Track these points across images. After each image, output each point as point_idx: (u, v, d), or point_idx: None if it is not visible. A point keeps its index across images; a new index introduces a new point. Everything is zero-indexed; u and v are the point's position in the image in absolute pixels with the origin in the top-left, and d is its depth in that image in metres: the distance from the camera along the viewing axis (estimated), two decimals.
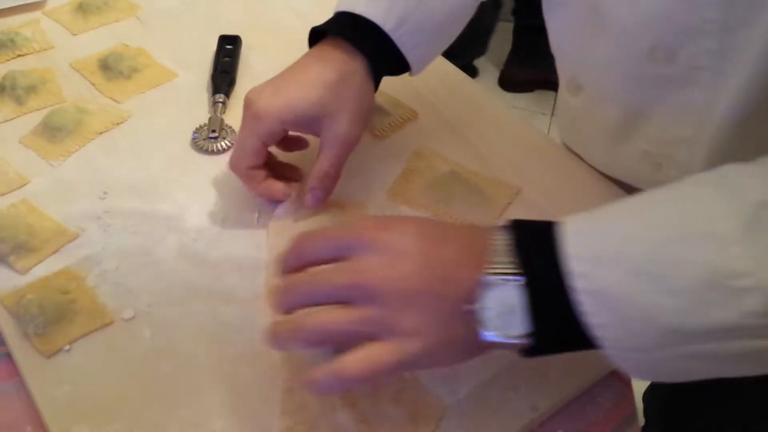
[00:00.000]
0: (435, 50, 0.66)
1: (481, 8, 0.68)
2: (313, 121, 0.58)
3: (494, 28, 2.12)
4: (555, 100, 2.17)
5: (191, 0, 0.89)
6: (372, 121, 0.71)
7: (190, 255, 0.59)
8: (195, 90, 0.76)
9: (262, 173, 0.60)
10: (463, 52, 2.02)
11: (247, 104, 0.59)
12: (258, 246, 0.60)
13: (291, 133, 0.61)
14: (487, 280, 0.40)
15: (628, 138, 0.62)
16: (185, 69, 0.78)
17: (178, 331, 0.53)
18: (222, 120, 0.70)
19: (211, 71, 0.76)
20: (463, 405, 0.50)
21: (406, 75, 0.65)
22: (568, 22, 0.61)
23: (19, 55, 0.78)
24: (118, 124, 0.71)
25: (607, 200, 0.64)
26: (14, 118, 0.71)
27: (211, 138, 0.68)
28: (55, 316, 0.53)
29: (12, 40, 0.78)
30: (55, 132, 0.68)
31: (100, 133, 0.70)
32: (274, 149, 0.62)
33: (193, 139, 0.69)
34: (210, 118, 0.70)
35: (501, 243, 0.42)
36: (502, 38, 2.19)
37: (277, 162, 0.64)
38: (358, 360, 0.42)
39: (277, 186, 0.61)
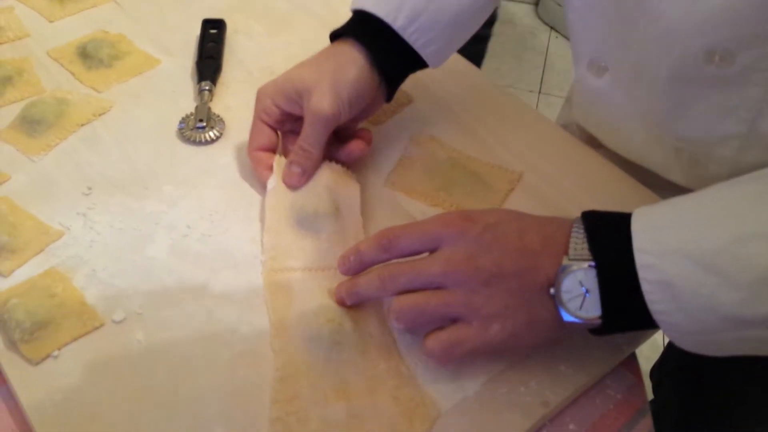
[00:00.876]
0: (451, 46, 0.65)
1: None
2: (297, 97, 0.58)
3: None
4: (542, 78, 2.16)
5: None
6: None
7: (181, 252, 0.56)
8: (180, 77, 0.72)
9: (266, 156, 0.60)
10: None
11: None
12: (252, 240, 0.57)
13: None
14: (567, 267, 0.45)
15: (662, 130, 0.59)
16: (168, 55, 0.75)
17: (172, 333, 0.51)
18: (209, 108, 0.68)
19: (196, 58, 0.73)
20: (473, 402, 0.48)
21: None
22: (597, 1, 0.58)
23: None
24: (100, 115, 0.68)
25: (610, 184, 0.63)
26: None
27: (198, 128, 0.66)
28: (42, 320, 0.50)
29: None
30: (34, 125, 0.65)
31: (82, 125, 0.67)
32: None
33: (180, 129, 0.66)
34: (197, 107, 0.68)
35: (578, 234, 0.46)
36: None
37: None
38: (445, 339, 0.47)
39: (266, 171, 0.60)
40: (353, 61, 0.58)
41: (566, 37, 2.29)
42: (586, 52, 0.62)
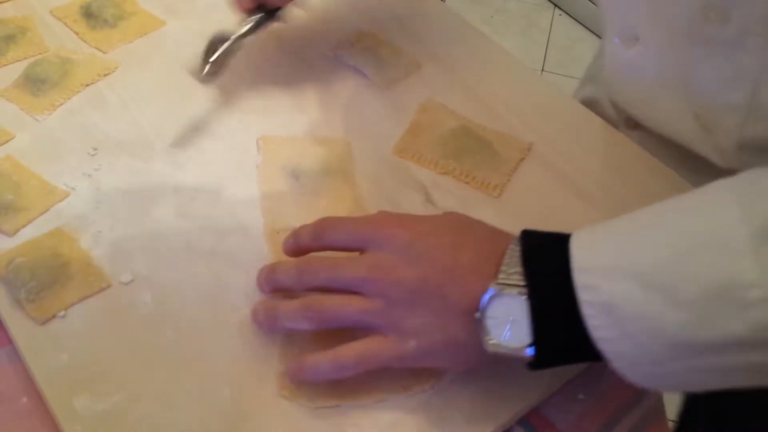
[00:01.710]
0: None
1: None
2: None
3: None
4: (545, 55, 2.14)
5: None
6: (372, 72, 0.68)
7: (188, 215, 0.56)
8: (184, 39, 0.71)
9: None
10: None
11: None
12: (258, 203, 0.57)
13: None
14: (494, 290, 0.41)
15: (679, 98, 0.58)
16: (173, 16, 0.73)
17: (180, 295, 0.51)
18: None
19: None
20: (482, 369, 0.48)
21: (408, 25, 0.61)
22: None
23: None
24: (105, 75, 0.67)
25: (622, 157, 0.63)
26: None
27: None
28: (48, 280, 0.50)
29: None
30: (38, 84, 0.64)
31: (87, 85, 0.65)
32: None
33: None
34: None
35: (512, 254, 0.42)
36: None
37: None
38: (357, 349, 0.44)
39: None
40: None
41: (570, 15, 2.28)
42: (618, 21, 0.60)
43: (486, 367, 0.46)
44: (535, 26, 2.25)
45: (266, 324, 0.48)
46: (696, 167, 0.62)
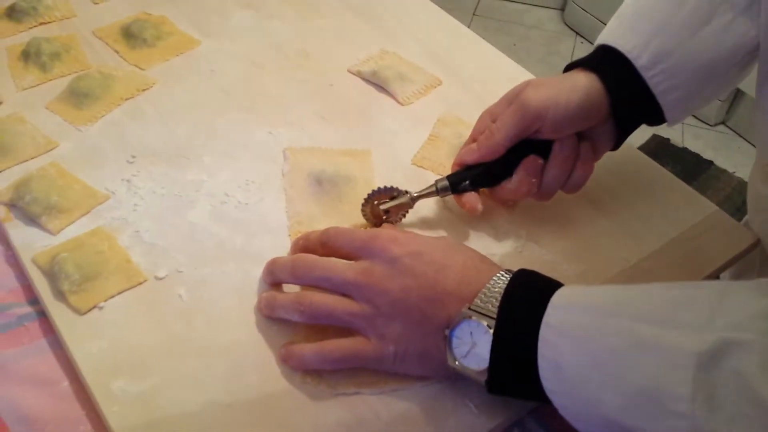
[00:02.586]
0: (695, 100, 0.58)
1: None
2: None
3: None
4: None
5: None
6: (394, 88, 0.71)
7: (220, 217, 0.59)
8: (217, 57, 0.76)
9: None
10: None
11: None
12: (284, 208, 0.60)
13: None
14: (466, 314, 0.45)
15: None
16: (207, 37, 0.78)
17: (211, 289, 0.54)
18: None
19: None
20: None
21: (428, 44, 0.64)
22: None
23: (41, 23, 0.78)
24: (143, 90, 0.71)
25: (631, 166, 0.65)
26: (39, 84, 0.71)
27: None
28: (89, 274, 0.53)
29: (34, 8, 0.78)
30: (81, 98, 0.68)
31: (126, 99, 0.70)
32: None
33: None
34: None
35: (494, 285, 0.46)
36: None
37: None
38: (341, 346, 0.48)
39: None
40: (586, 78, 0.55)
41: (591, 43, 2.31)
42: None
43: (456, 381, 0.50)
44: (557, 54, 2.29)
45: (265, 311, 0.52)
46: None
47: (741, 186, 1.90)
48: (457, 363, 0.46)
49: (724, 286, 0.40)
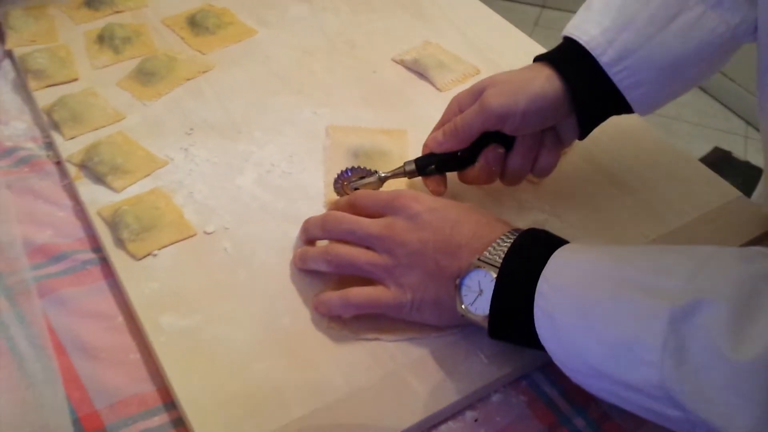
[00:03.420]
0: (663, 94, 0.59)
1: None
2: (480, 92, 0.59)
3: None
4: None
5: None
6: (433, 75, 0.76)
7: (265, 183, 0.65)
8: (272, 45, 0.82)
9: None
10: None
11: None
12: (322, 178, 0.65)
13: None
14: (475, 264, 0.49)
15: None
16: (264, 27, 0.84)
17: (253, 244, 0.60)
18: None
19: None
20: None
21: (470, 36, 0.68)
22: None
23: (116, 12, 0.85)
24: (203, 72, 0.78)
25: (653, 150, 0.68)
26: (112, 64, 0.78)
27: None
28: (146, 225, 0.60)
29: None
30: (148, 77, 0.75)
31: (188, 79, 0.77)
32: None
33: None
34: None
35: (504, 240, 0.49)
36: None
37: None
38: (363, 293, 0.53)
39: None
40: (546, 78, 0.56)
41: None
42: None
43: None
44: None
45: (298, 264, 0.57)
46: None
47: None
48: (464, 308, 0.49)
49: (711, 250, 0.43)
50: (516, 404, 0.52)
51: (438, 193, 0.61)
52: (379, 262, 0.53)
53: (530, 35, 0.84)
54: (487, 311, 0.48)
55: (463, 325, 0.53)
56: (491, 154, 0.59)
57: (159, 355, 0.52)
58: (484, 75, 0.77)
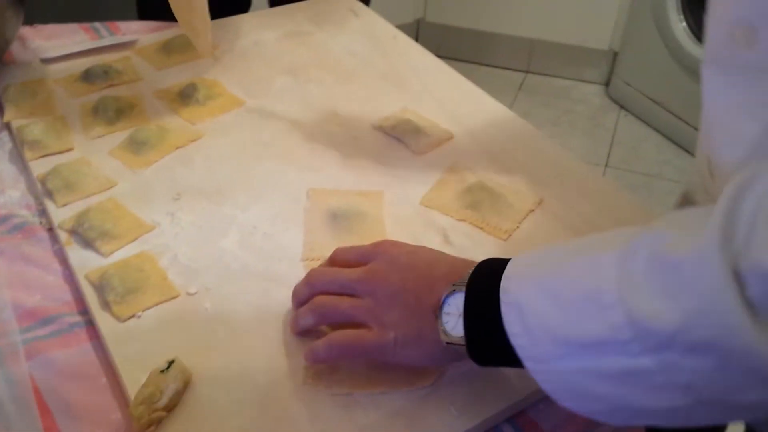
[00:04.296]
0: None
1: None
2: None
3: None
4: (609, 152, 2.22)
5: (261, 42, 1.01)
6: (410, 140, 0.80)
7: (247, 245, 0.68)
8: (258, 115, 0.86)
9: None
10: None
11: None
12: (301, 239, 0.68)
13: None
14: (449, 290, 0.51)
15: (701, 143, 0.61)
16: (252, 97, 0.89)
17: (233, 305, 0.62)
18: None
19: None
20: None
21: (446, 104, 0.73)
22: None
23: (111, 85, 0.90)
24: (193, 141, 0.82)
25: (621, 210, 0.71)
26: (105, 134, 0.82)
27: None
28: (131, 288, 0.62)
29: (106, 72, 0.91)
30: (139, 145, 0.79)
31: (178, 147, 0.80)
32: None
33: None
34: None
35: (471, 267, 0.52)
36: None
37: None
38: (346, 334, 0.55)
39: None
40: None
41: (635, 115, 2.37)
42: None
43: (451, 365, 0.55)
44: (601, 126, 2.35)
45: (293, 328, 0.59)
46: None
47: None
48: (444, 332, 0.50)
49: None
50: None
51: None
52: (360, 304, 0.55)
53: (514, 100, 0.89)
54: (461, 331, 0.49)
55: (447, 361, 0.54)
56: None
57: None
58: (457, 140, 0.81)
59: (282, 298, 0.62)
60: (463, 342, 0.50)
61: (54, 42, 1.00)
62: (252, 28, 1.04)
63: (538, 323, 0.45)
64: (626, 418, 0.45)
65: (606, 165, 2.18)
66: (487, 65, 2.64)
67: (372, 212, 0.70)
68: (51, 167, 0.76)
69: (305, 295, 0.59)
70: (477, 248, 0.66)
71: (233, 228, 0.70)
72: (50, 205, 0.72)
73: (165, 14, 0.94)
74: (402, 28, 1.05)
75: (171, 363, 0.55)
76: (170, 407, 0.53)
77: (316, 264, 0.65)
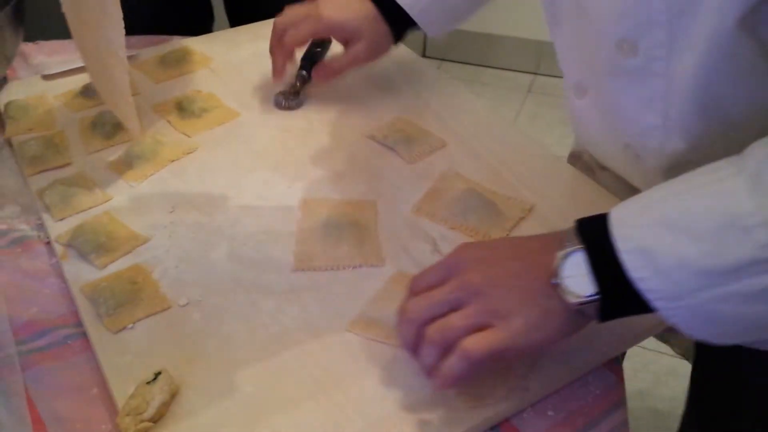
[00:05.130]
0: (447, 25, 0.87)
1: None
2: (331, 32, 0.88)
3: None
4: None
5: (258, 53, 1.02)
6: (402, 149, 0.80)
7: (237, 257, 0.69)
8: (254, 126, 0.87)
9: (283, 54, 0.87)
10: None
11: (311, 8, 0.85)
12: (292, 252, 0.69)
13: None
14: (562, 255, 0.51)
15: (613, 133, 0.67)
16: (247, 110, 0.90)
17: (222, 315, 0.63)
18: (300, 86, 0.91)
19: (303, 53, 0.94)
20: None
21: (439, 111, 0.78)
22: (567, 34, 0.68)
23: None
24: (187, 153, 0.83)
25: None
26: (103, 149, 0.83)
27: (291, 99, 0.90)
28: (123, 300, 0.63)
29: None
30: (135, 159, 0.81)
31: (172, 161, 0.82)
32: None
33: (276, 100, 0.91)
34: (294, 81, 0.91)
35: (569, 231, 0.52)
36: None
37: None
38: (476, 341, 0.51)
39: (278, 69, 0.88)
40: (374, 16, 0.84)
41: None
42: (570, 78, 0.71)
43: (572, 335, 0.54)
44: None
45: (427, 373, 0.55)
46: None
47: None
48: (573, 298, 0.50)
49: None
50: None
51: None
52: (472, 311, 0.52)
53: (523, 101, 0.90)
54: (592, 289, 0.49)
55: (576, 330, 0.53)
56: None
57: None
58: (449, 148, 0.82)
59: (269, 309, 0.63)
60: (596, 298, 0.49)
61: (55, 58, 1.02)
62: (248, 39, 1.05)
63: (673, 261, 0.46)
64: (756, 335, 0.48)
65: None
66: (496, 68, 2.63)
67: (364, 222, 0.71)
68: (49, 182, 0.77)
69: (411, 333, 0.55)
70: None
71: (224, 239, 0.71)
72: (48, 219, 0.74)
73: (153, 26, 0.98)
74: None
75: (158, 375, 0.56)
76: (156, 418, 0.54)
77: (309, 273, 0.66)
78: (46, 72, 0.97)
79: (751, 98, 0.57)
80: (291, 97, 0.90)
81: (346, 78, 0.94)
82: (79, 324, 0.64)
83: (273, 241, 0.70)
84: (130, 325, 0.62)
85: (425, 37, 2.69)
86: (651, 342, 0.73)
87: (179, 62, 0.98)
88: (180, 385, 0.57)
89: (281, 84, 0.91)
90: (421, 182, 0.77)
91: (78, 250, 0.69)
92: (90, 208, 0.75)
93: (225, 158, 0.82)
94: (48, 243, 0.73)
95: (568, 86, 0.71)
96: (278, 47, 0.87)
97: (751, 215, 0.43)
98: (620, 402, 0.58)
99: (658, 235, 0.46)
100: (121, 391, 0.57)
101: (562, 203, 0.73)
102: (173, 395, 0.56)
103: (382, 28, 0.85)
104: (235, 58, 1.01)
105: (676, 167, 0.61)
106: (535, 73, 2.59)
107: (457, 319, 0.52)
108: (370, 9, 0.84)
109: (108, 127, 0.85)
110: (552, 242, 0.52)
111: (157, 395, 0.54)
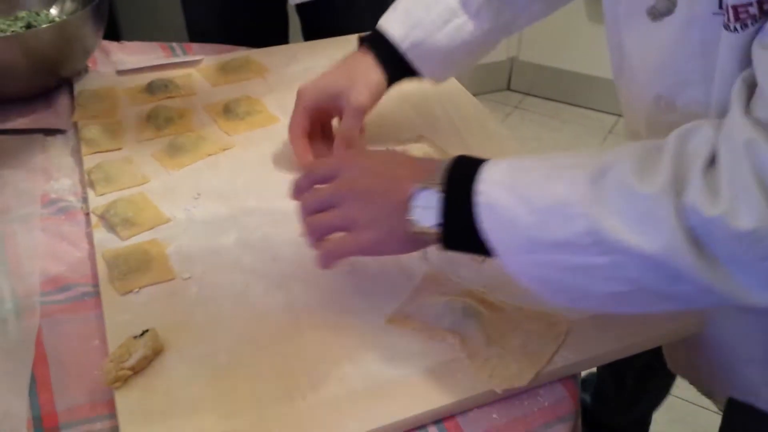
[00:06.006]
0: (447, 72, 0.87)
1: None
2: (336, 96, 0.81)
3: None
4: None
5: (312, 68, 1.09)
6: None
7: (244, 243, 0.75)
8: None
9: (305, 142, 0.84)
10: None
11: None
12: (295, 243, 0.75)
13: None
14: (420, 186, 0.59)
15: None
16: (287, 117, 0.96)
17: (216, 292, 0.70)
18: None
19: None
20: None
21: (460, 134, 0.86)
22: (620, 85, 0.72)
23: (169, 97, 1.01)
24: (224, 150, 0.91)
25: None
26: (152, 138, 0.93)
27: None
28: (134, 267, 0.71)
29: (166, 85, 1.02)
30: (176, 150, 0.89)
31: (210, 155, 0.90)
32: None
33: None
34: None
35: (440, 166, 0.59)
36: None
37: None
38: (335, 244, 0.64)
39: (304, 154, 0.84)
40: (374, 68, 0.82)
41: None
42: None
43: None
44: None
45: (323, 262, 0.65)
46: None
47: None
48: (415, 223, 0.58)
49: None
50: None
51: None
52: (338, 214, 0.62)
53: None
54: (435, 221, 0.57)
55: (416, 249, 0.64)
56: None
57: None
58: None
59: (257, 289, 0.69)
60: (432, 231, 0.58)
61: (133, 57, 1.13)
62: (305, 55, 1.13)
63: (511, 224, 0.54)
64: (582, 301, 0.55)
65: None
66: (579, 106, 2.63)
67: None
68: (99, 162, 0.87)
69: (302, 220, 0.66)
70: (454, 266, 0.70)
71: (236, 227, 0.78)
72: (91, 194, 0.83)
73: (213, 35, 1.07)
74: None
75: (145, 332, 0.63)
76: (137, 369, 0.61)
77: (303, 266, 0.72)
78: (121, 68, 1.08)
79: None
80: None
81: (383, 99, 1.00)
82: (96, 284, 0.72)
83: (283, 232, 0.77)
84: (136, 290, 0.70)
85: (510, 70, 2.74)
86: (693, 394, 0.79)
87: (237, 70, 1.07)
88: (165, 346, 0.64)
89: None
90: None
91: (108, 221, 0.78)
92: (128, 187, 0.84)
93: (256, 157, 0.89)
94: (87, 214, 0.82)
95: (627, 133, 0.75)
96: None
97: (577, 205, 0.50)
98: (567, 417, 0.60)
99: (506, 199, 0.54)
100: (115, 344, 0.64)
101: None
102: (157, 353, 0.63)
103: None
104: (289, 71, 1.09)
105: None
106: (619, 115, 2.57)
107: (325, 218, 0.63)
108: (379, 75, 0.82)
109: (160, 120, 0.95)
110: (424, 172, 0.59)
111: (140, 349, 0.61)
